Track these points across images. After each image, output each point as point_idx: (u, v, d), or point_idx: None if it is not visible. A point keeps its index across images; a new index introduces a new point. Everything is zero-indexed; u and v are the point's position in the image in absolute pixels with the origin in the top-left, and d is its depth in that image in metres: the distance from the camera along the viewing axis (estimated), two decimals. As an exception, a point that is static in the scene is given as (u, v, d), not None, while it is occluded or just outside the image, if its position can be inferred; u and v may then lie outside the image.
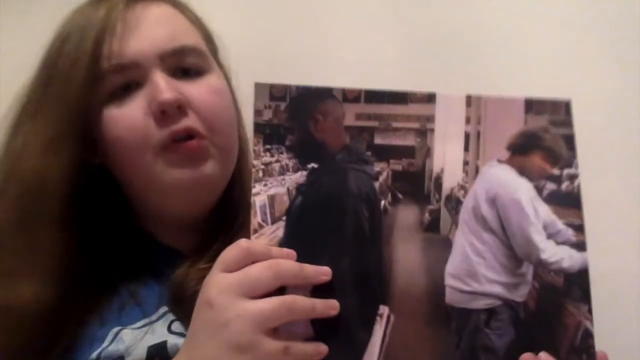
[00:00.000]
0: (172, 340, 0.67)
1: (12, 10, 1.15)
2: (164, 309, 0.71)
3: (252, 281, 0.55)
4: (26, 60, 0.72)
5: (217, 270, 0.56)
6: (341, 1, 1.16)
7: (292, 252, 0.58)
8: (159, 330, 0.69)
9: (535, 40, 1.11)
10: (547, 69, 1.10)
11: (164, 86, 0.69)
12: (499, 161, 0.65)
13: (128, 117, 0.69)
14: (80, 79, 0.68)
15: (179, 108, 0.69)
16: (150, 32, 0.71)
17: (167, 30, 0.73)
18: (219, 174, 0.73)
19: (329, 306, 0.58)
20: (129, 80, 0.70)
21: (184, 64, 0.73)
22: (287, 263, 0.57)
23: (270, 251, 0.57)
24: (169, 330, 0.68)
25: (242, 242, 0.57)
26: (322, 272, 0.58)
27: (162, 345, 0.66)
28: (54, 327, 0.65)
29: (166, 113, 0.68)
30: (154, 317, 0.70)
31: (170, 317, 0.70)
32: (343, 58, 1.13)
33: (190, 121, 0.70)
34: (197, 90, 0.72)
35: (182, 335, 0.67)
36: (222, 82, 0.77)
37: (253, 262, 0.56)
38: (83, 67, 0.68)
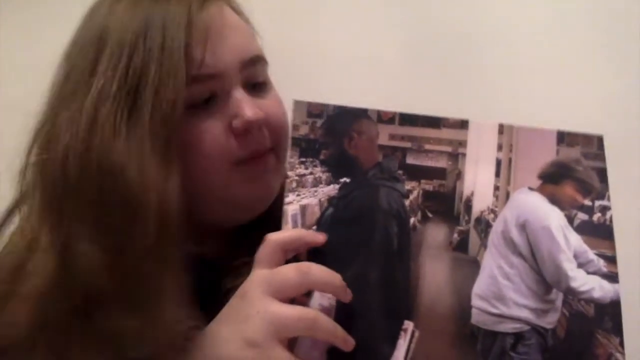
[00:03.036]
0: None
1: (12, 11, 1.15)
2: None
3: (278, 280, 0.56)
4: (26, 59, 0.70)
5: (255, 266, 0.58)
6: (341, 0, 1.17)
7: (321, 235, 0.60)
8: None
9: (535, 40, 1.11)
10: (547, 69, 1.10)
11: (248, 105, 0.68)
12: (530, 189, 0.65)
13: (211, 133, 0.67)
14: (179, 85, 0.64)
15: (260, 127, 0.69)
16: (232, 40, 0.70)
17: (243, 37, 0.72)
18: (278, 185, 0.73)
19: (347, 341, 0.57)
20: (210, 93, 0.68)
21: (256, 77, 0.73)
22: (317, 269, 0.57)
23: (299, 234, 0.60)
24: None
25: (269, 237, 0.59)
26: (349, 293, 0.59)
27: None
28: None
29: (249, 132, 0.68)
30: None
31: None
32: (342, 57, 1.14)
33: (266, 139, 0.70)
34: (268, 103, 0.72)
35: None
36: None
37: (287, 254, 0.58)
38: (179, 74, 0.64)
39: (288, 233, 0.60)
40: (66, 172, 0.63)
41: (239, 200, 0.71)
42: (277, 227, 0.64)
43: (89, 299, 0.60)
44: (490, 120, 0.68)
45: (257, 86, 0.73)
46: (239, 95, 0.69)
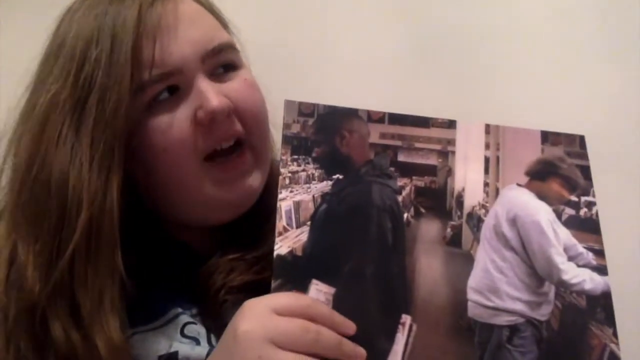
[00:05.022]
0: (184, 352, 0.64)
1: (11, 11, 1.16)
2: (176, 310, 0.68)
3: (289, 336, 0.53)
4: (26, 60, 0.70)
5: (265, 304, 0.55)
6: (340, 3, 1.18)
7: (352, 326, 0.57)
8: (170, 335, 0.66)
9: (535, 39, 1.11)
10: (547, 69, 1.10)
11: (212, 93, 0.66)
12: (519, 185, 0.67)
13: (174, 127, 0.66)
14: (124, 92, 0.64)
15: (228, 114, 0.67)
16: (188, 34, 0.68)
17: (202, 30, 0.70)
18: (262, 182, 0.72)
19: (357, 353, 0.56)
20: (169, 86, 0.67)
21: (222, 62, 0.70)
22: (328, 335, 0.55)
23: (332, 317, 0.56)
24: (182, 334, 0.66)
25: (307, 299, 0.57)
26: (358, 354, 0.56)
27: (174, 357, 0.64)
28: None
29: (215, 120, 0.66)
30: (163, 321, 0.67)
31: (184, 319, 0.67)
32: (342, 57, 1.14)
33: (236, 126, 0.69)
34: (235, 87, 0.70)
35: (194, 340, 0.65)
36: (253, 75, 0.75)
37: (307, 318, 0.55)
38: (125, 79, 0.64)
39: (322, 310, 0.56)
40: (14, 182, 0.66)
41: (214, 203, 0.69)
42: (268, 221, 0.63)
43: (29, 310, 0.61)
44: (476, 121, 0.70)
45: (225, 71, 0.71)
46: (203, 85, 0.67)
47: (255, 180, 0.71)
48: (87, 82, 0.65)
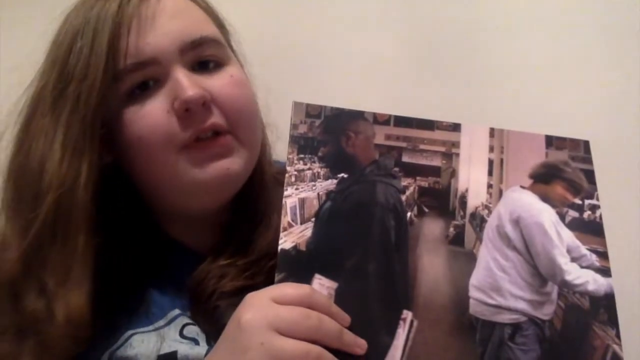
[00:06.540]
0: (183, 351, 0.65)
1: (12, 10, 1.19)
2: (175, 312, 0.69)
3: (291, 323, 0.54)
4: (26, 60, 0.72)
5: (266, 295, 0.56)
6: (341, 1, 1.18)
7: (347, 318, 0.58)
8: (169, 336, 0.67)
9: (536, 40, 1.11)
10: (547, 69, 1.10)
11: (187, 83, 0.66)
12: (522, 187, 0.67)
13: (149, 116, 0.66)
14: (98, 80, 0.65)
15: (204, 105, 0.67)
16: (167, 26, 0.68)
17: (184, 22, 0.69)
18: (243, 169, 0.70)
19: (357, 344, 0.57)
20: (147, 78, 0.67)
21: (204, 57, 0.70)
22: (330, 323, 0.56)
23: (330, 307, 0.57)
24: (181, 335, 0.67)
25: (307, 288, 0.58)
26: (358, 344, 0.57)
27: (173, 356, 0.65)
28: (86, 337, 0.64)
29: (190, 111, 0.66)
30: (162, 322, 0.68)
31: (183, 320, 0.68)
32: (346, 58, 1.15)
33: (215, 118, 0.68)
34: (218, 83, 0.69)
35: (194, 341, 0.66)
36: (243, 72, 0.74)
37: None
38: (100, 68, 0.65)
39: (321, 299, 0.58)
40: (5, 171, 0.69)
41: (190, 186, 0.68)
42: (260, 225, 0.64)
43: (10, 288, 0.64)
44: (481, 124, 0.71)
45: (207, 66, 0.71)
46: (179, 75, 0.67)
47: (235, 163, 0.69)
48: (70, 73, 0.67)
